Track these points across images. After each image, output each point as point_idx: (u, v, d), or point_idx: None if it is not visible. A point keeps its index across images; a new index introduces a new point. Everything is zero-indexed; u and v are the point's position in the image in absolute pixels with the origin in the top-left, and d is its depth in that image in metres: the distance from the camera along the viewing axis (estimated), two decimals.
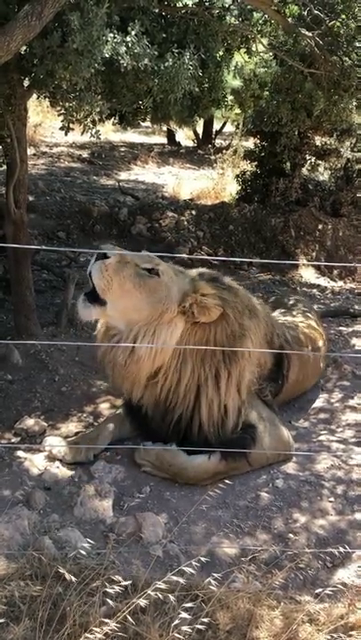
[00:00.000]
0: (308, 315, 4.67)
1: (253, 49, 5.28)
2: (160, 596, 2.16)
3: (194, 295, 3.27)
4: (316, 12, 4.89)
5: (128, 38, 3.42)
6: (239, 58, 6.49)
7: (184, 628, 2.12)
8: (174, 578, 2.22)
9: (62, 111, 3.66)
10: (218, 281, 3.50)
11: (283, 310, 4.67)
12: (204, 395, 3.34)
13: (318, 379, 4.64)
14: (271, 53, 6.74)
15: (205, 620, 2.20)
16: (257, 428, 3.47)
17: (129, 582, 2.25)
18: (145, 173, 11.81)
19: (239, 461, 3.39)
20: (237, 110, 9.73)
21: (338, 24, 5.09)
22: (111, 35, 3.37)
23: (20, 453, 3.48)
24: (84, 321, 3.28)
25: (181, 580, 2.28)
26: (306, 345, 4.27)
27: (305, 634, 2.29)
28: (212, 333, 3.32)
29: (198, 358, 3.31)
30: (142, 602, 2.11)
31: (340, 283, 8.09)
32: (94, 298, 3.21)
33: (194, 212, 8.59)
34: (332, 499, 3.32)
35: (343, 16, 5.03)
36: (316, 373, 4.53)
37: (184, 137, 15.07)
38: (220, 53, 5.02)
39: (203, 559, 2.45)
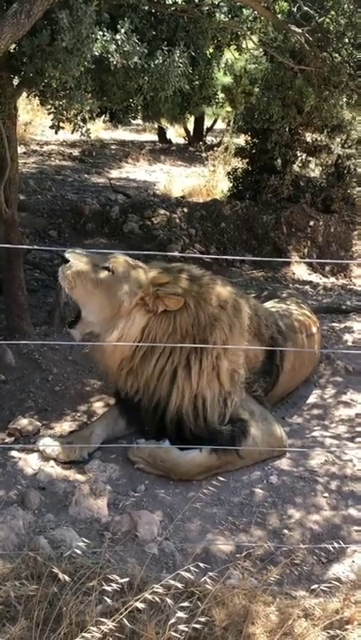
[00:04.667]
0: (302, 305, 4.70)
1: (243, 46, 5.25)
2: (157, 597, 2.16)
3: (146, 287, 3.42)
4: (305, 8, 4.88)
5: (118, 36, 3.41)
6: (229, 55, 6.46)
7: (180, 626, 2.12)
8: (171, 582, 2.23)
9: (52, 110, 3.65)
10: (176, 271, 3.57)
11: (276, 300, 4.69)
12: (176, 384, 3.43)
13: (315, 366, 4.65)
14: (261, 50, 6.73)
15: (202, 617, 2.20)
16: (247, 421, 3.51)
17: (125, 580, 2.25)
18: (136, 171, 11.78)
19: (230, 455, 3.41)
20: (228, 107, 9.73)
21: (327, 20, 5.09)
22: (100, 33, 3.36)
23: (14, 453, 3.47)
24: (78, 340, 3.64)
25: (179, 584, 2.28)
26: (300, 331, 4.29)
27: (300, 629, 2.30)
28: (178, 322, 3.44)
29: (167, 347, 3.42)
30: (140, 605, 2.11)
31: (333, 279, 8.10)
32: (73, 322, 3.58)
33: (186, 210, 8.57)
34: (326, 494, 3.33)
35: (333, 12, 5.03)
36: (312, 360, 4.54)
37: (175, 134, 15.04)
38: (211, 50, 5.00)
39: (198, 558, 2.45)
